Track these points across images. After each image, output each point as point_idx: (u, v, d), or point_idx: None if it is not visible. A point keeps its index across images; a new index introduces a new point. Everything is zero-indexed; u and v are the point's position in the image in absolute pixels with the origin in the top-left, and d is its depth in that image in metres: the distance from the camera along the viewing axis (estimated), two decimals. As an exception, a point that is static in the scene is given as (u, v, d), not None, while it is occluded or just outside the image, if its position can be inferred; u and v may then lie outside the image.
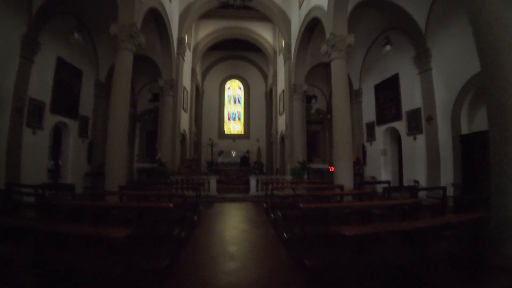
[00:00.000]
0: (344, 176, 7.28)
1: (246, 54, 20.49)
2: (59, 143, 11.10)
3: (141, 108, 15.87)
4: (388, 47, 9.19)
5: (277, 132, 15.38)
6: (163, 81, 11.50)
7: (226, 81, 20.99)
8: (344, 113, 7.61)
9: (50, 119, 9.56)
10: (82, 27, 10.02)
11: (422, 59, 9.29)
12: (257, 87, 20.66)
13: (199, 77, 18.57)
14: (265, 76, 20.71)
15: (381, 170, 12.12)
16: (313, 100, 12.92)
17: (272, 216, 5.50)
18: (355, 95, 13.56)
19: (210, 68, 20.61)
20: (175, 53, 12.22)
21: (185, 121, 14.33)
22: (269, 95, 19.40)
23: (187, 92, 14.81)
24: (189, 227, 4.95)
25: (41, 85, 8.94)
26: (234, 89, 21.17)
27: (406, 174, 10.64)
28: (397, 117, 10.83)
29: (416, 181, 9.78)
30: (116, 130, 6.99)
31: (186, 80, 14.32)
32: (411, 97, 10.10)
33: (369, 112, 12.85)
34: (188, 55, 15.24)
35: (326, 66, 14.42)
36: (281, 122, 14.40)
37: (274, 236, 4.70)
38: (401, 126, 10.64)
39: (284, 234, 4.21)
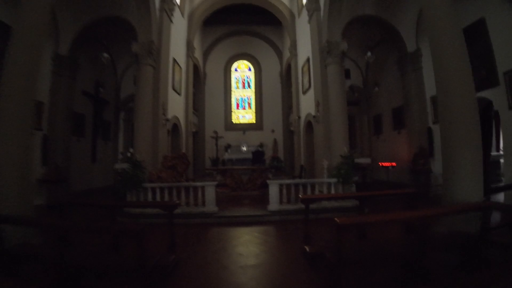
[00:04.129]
0: (466, 182, 3.55)
1: (255, 28, 16.79)
2: None
3: (125, 94, 12.56)
4: None
5: (299, 117, 11.62)
6: (139, 45, 7.99)
7: (233, 62, 17.35)
8: (458, 60, 3.88)
9: (-29, 102, 6.36)
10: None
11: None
12: (270, 67, 16.89)
13: (198, 55, 15.02)
14: (279, 53, 16.92)
15: (460, 165, 8.06)
16: (369, 54, 8.42)
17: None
18: (410, 60, 9.66)
19: (212, 47, 17.03)
20: (157, 8, 8.69)
21: (178, 106, 10.84)
22: (286, 74, 15.62)
23: (181, 69, 11.30)
24: None
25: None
26: (242, 70, 17.49)
27: (509, 168, 6.71)
28: (489, 81, 6.95)
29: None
30: (7, 105, 3.58)
31: (177, 52, 10.80)
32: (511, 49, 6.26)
33: (434, 80, 8.90)
34: (182, 23, 11.75)
35: (367, 21, 10.52)
36: (306, 103, 10.65)
37: None
38: (496, 94, 6.82)
39: None
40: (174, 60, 10.33)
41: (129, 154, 7.00)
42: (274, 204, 5.81)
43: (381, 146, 11.84)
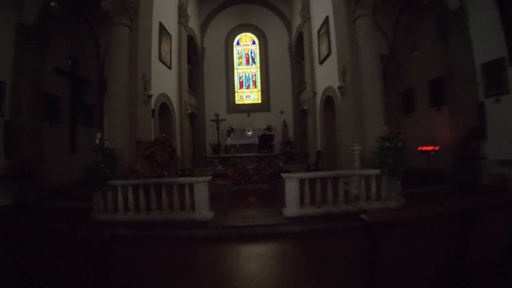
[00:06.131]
0: None
1: (259, -6, 14.56)
2: None
3: (109, 72, 10.74)
4: None
5: (315, 93, 9.70)
6: (110, 0, 6.10)
7: (235, 34, 15.21)
8: None
9: None
10: None
11: None
12: (277, 39, 14.73)
13: (194, 27, 12.99)
14: (287, 23, 14.71)
15: (524, 148, 6.26)
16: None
17: None
18: (454, 19, 7.57)
19: (211, 18, 14.91)
20: (133, -48, 6.70)
21: (168, 82, 9.03)
22: (296, 46, 13.52)
23: (170, 38, 9.38)
24: None
25: None
26: (245, 44, 15.38)
27: None
28: None
29: None
30: None
31: (165, 17, 8.84)
32: None
33: (487, 43, 6.95)
34: (171, -18, 9.69)
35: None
36: (325, 75, 8.72)
37: None
38: None
39: None
40: (162, 26, 8.41)
41: (97, 141, 5.35)
42: (292, 207, 4.11)
43: (413, 127, 9.90)
